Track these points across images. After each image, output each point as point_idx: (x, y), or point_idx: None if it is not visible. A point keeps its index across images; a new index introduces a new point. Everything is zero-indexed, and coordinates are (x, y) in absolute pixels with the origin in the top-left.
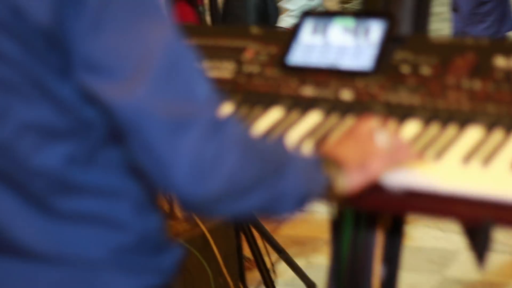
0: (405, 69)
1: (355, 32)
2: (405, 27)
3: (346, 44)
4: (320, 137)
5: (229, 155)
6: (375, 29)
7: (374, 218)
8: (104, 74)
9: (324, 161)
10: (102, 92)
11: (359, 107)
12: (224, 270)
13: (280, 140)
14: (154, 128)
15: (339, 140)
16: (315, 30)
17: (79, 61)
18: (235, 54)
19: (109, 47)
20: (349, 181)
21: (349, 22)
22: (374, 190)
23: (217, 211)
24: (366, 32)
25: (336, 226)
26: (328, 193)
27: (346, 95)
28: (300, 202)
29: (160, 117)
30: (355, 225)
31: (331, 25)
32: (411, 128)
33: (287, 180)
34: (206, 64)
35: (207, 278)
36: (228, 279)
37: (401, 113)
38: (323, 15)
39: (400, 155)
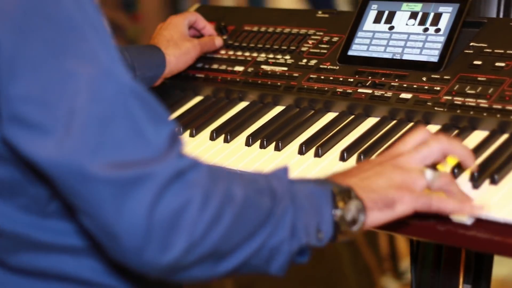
0: (478, 61)
1: (422, 18)
2: (487, 8)
3: (412, 32)
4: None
5: (194, 212)
6: (445, 14)
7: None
8: (26, 127)
9: (340, 194)
10: (27, 148)
11: (419, 110)
12: None
13: (274, 176)
14: (93, 190)
15: (368, 164)
16: (379, 16)
17: (3, 112)
18: (295, 44)
19: (28, 96)
20: (368, 219)
21: (417, 6)
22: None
23: (189, 277)
24: (436, 17)
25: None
26: (340, 233)
27: (406, 94)
28: (301, 250)
29: (100, 176)
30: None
31: (397, 9)
32: (474, 141)
33: (278, 232)
34: (262, 56)
35: None
36: None
37: (467, 121)
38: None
39: (443, 204)
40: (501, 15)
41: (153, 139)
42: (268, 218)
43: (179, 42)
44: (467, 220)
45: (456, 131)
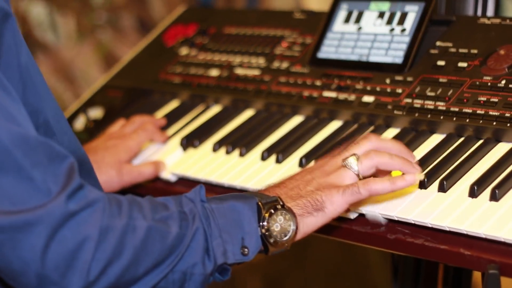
0: (441, 62)
1: (389, 18)
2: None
3: (379, 33)
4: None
5: (90, 251)
6: (411, 14)
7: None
8: None
9: (266, 206)
10: None
11: (379, 114)
12: None
13: (187, 199)
14: None
15: (300, 174)
16: (349, 16)
17: None
18: (269, 46)
19: None
20: (301, 226)
21: (384, 5)
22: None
23: None
24: (402, 17)
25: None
26: (270, 244)
27: (369, 97)
28: (221, 269)
29: None
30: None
31: (365, 9)
32: (426, 146)
33: (188, 256)
34: (237, 59)
35: None
36: None
37: (426, 125)
38: None
39: (371, 186)
40: (479, 13)
41: (42, 184)
42: (176, 244)
43: (103, 168)
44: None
45: (412, 135)
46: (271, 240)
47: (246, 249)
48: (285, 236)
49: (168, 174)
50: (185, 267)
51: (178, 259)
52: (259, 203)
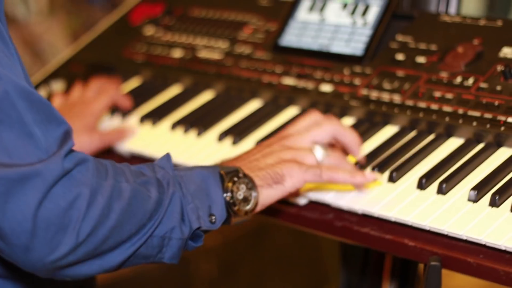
0: (400, 56)
1: (353, 10)
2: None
3: (341, 24)
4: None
5: (82, 210)
6: (374, 7)
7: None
8: None
9: (228, 175)
10: None
11: (336, 104)
12: None
13: (158, 166)
14: None
15: (258, 148)
16: (312, 6)
17: None
18: (233, 31)
19: None
20: (260, 197)
21: None
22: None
23: (77, 274)
24: (365, 10)
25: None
26: (234, 213)
27: (327, 87)
28: (194, 235)
29: None
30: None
31: (329, 0)
32: (381, 136)
33: (167, 220)
34: (201, 41)
35: None
36: None
37: (381, 117)
38: None
39: (333, 173)
40: (441, 9)
41: (41, 141)
42: (156, 208)
43: (74, 134)
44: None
45: (366, 125)
46: (235, 209)
47: (213, 217)
48: (247, 205)
49: (124, 149)
50: (164, 232)
51: (157, 223)
52: (222, 172)
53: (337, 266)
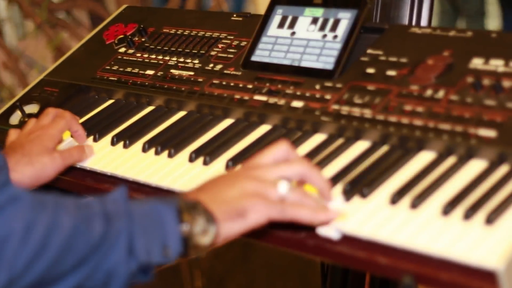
0: (371, 70)
1: (323, 24)
2: (398, 13)
3: (312, 39)
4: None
5: (15, 246)
6: (344, 21)
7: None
8: None
9: (186, 209)
10: None
11: (307, 120)
12: None
13: (110, 199)
14: None
15: (224, 177)
16: (283, 21)
17: None
18: (206, 47)
19: None
20: (221, 231)
21: (318, 11)
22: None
23: None
24: (335, 24)
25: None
26: (191, 246)
27: (298, 102)
28: (144, 269)
29: None
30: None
31: (299, 14)
32: (352, 152)
33: (112, 255)
34: (173, 59)
35: None
36: None
37: (352, 132)
38: (293, 3)
39: (297, 212)
40: (413, 21)
41: None
42: (100, 242)
43: (34, 158)
44: (334, 234)
45: (340, 141)
46: (191, 243)
47: (167, 250)
48: (205, 239)
49: (93, 170)
50: (109, 266)
51: (102, 257)
52: (180, 205)
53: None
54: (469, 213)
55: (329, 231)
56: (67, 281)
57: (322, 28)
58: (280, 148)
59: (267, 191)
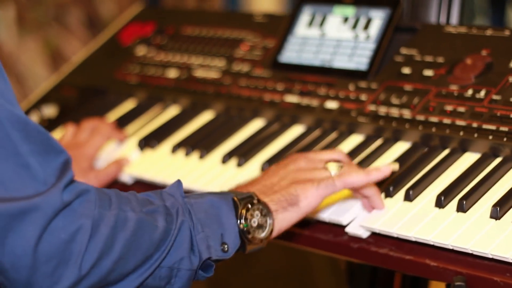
0: (406, 70)
1: (354, 24)
2: (426, 12)
3: (343, 39)
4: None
5: (83, 243)
6: (376, 20)
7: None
8: None
9: (242, 202)
10: None
11: (343, 121)
12: None
13: (167, 193)
14: None
15: (273, 170)
16: (312, 21)
17: None
18: (229, 49)
19: None
20: (276, 222)
21: (349, 10)
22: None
23: None
24: (367, 23)
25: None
26: (248, 241)
27: (332, 103)
28: (205, 265)
29: None
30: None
31: (329, 13)
32: (392, 153)
33: (175, 251)
34: (196, 60)
35: None
36: None
37: (391, 133)
38: (322, 2)
39: (347, 178)
40: (442, 20)
41: (38, 172)
42: (164, 238)
43: None
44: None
45: (379, 142)
46: (249, 236)
47: (226, 246)
48: (263, 232)
49: (125, 176)
50: (172, 262)
51: (165, 254)
52: (235, 199)
53: (327, 283)
54: None
55: (359, 231)
56: (132, 279)
57: (354, 27)
58: (336, 153)
59: (316, 174)
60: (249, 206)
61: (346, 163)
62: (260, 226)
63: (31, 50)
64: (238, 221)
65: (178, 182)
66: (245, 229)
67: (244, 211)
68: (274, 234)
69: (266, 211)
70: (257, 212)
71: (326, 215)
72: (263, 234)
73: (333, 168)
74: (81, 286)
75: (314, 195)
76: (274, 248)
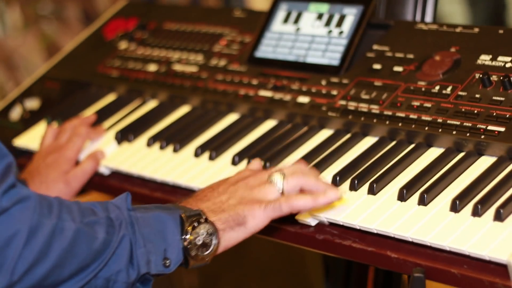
0: (377, 66)
1: (328, 20)
2: (403, 10)
3: (317, 35)
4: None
5: (18, 249)
6: (349, 17)
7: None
8: None
9: (189, 219)
10: None
11: (314, 115)
12: None
13: (113, 205)
14: None
15: (223, 186)
16: (287, 16)
17: None
18: (208, 44)
19: None
20: (222, 240)
21: (323, 7)
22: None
23: None
24: (340, 20)
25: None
26: (191, 258)
27: (304, 98)
28: (143, 278)
29: None
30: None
31: (304, 10)
32: (360, 147)
33: (113, 263)
34: (175, 55)
35: None
36: None
37: (359, 127)
38: None
39: (293, 202)
40: (417, 18)
41: None
42: (103, 249)
43: (50, 185)
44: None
45: (347, 136)
46: (193, 253)
47: (168, 261)
48: (207, 250)
49: (102, 167)
50: (109, 274)
51: (103, 265)
52: (183, 216)
53: (320, 278)
54: (479, 208)
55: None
56: (68, 286)
57: (328, 24)
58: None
59: (264, 193)
60: (196, 224)
61: (288, 169)
62: (205, 245)
63: (30, 44)
64: (183, 237)
65: (127, 195)
66: (188, 246)
67: (190, 229)
68: (219, 251)
69: (212, 230)
70: (203, 231)
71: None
72: (206, 253)
73: (277, 179)
74: None
75: (261, 217)
76: (264, 243)
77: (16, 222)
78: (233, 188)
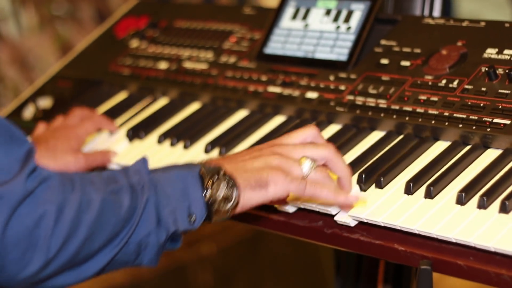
0: (385, 60)
1: (336, 16)
2: (411, 4)
3: (325, 30)
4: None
5: (49, 228)
6: (357, 12)
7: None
8: None
9: (208, 174)
10: None
11: (322, 110)
12: None
13: (133, 171)
14: None
15: (248, 150)
16: (296, 13)
17: None
18: (218, 41)
19: None
20: (241, 198)
21: (331, 3)
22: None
23: (54, 286)
24: (348, 15)
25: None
26: (214, 212)
27: (313, 93)
28: (172, 237)
29: None
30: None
31: (312, 6)
32: (367, 142)
33: (142, 226)
34: (186, 52)
35: None
36: None
37: (367, 122)
38: None
39: (317, 190)
40: (426, 12)
41: (2, 162)
42: (130, 215)
43: (58, 154)
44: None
45: (353, 131)
46: (215, 207)
47: (193, 217)
48: (229, 203)
49: (113, 165)
50: (139, 238)
51: (132, 231)
52: (202, 170)
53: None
54: (484, 201)
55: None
56: (101, 256)
57: (336, 19)
58: (309, 131)
59: (290, 167)
60: (215, 178)
61: (320, 168)
62: (226, 198)
63: (44, 44)
64: (204, 193)
65: (143, 159)
66: (211, 200)
67: (210, 183)
68: (238, 209)
69: (232, 183)
70: (223, 183)
71: (315, 205)
72: (228, 206)
73: (307, 165)
74: (49, 269)
75: (283, 186)
76: (278, 239)
77: (43, 203)
78: (257, 153)
